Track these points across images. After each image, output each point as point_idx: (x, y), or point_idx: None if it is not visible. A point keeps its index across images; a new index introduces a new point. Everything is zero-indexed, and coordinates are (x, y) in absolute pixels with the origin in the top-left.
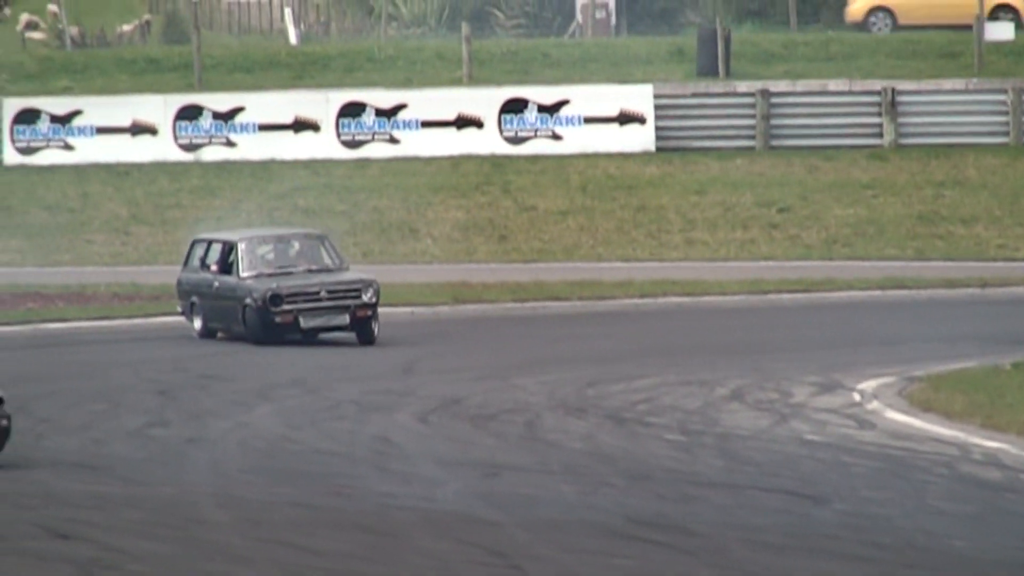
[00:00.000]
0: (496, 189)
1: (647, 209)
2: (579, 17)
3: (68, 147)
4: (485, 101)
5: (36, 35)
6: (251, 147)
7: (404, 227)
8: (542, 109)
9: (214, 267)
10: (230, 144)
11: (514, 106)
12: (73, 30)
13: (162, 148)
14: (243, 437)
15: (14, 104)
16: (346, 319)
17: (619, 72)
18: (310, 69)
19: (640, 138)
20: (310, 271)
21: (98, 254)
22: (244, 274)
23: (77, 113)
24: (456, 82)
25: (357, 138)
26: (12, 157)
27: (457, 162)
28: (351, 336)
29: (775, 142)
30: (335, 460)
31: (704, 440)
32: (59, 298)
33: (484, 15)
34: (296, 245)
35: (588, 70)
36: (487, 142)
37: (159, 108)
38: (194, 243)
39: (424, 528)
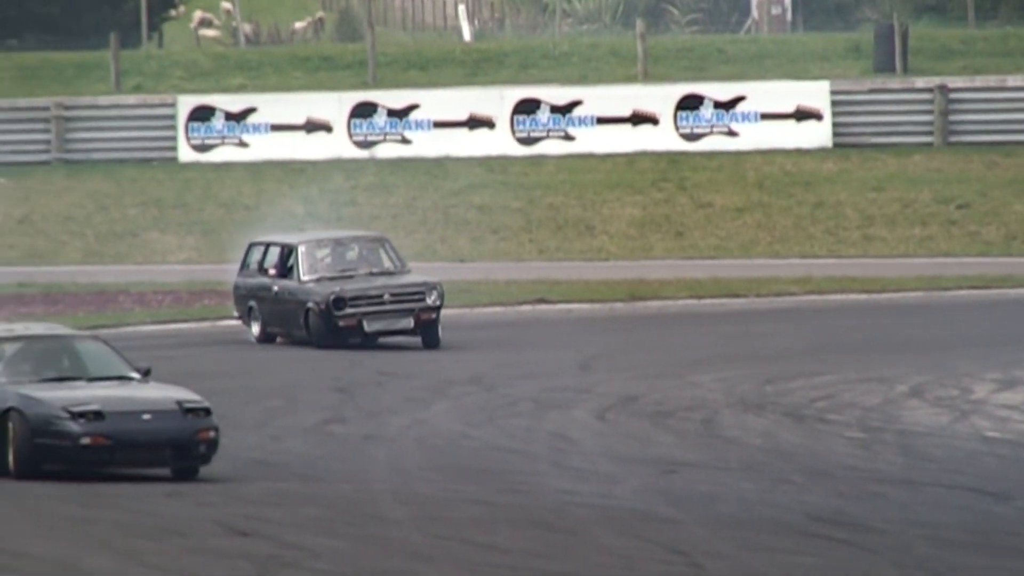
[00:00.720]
0: (672, 186)
1: (824, 205)
2: (755, 13)
3: (243, 144)
4: (661, 98)
5: (210, 32)
6: (426, 144)
7: (580, 224)
8: (718, 105)
9: (272, 271)
10: (405, 141)
11: (690, 102)
12: (247, 27)
13: (337, 145)
14: (421, 434)
15: (189, 101)
16: (410, 322)
17: (795, 68)
18: (484, 66)
19: (817, 134)
20: (371, 274)
21: None
22: (305, 278)
23: (252, 110)
24: (631, 79)
25: (532, 135)
26: (187, 154)
27: (633, 159)
28: (415, 340)
29: (953, 138)
30: (513, 457)
31: (884, 437)
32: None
33: (659, 11)
34: (356, 248)
35: (764, 66)
36: (663, 139)
37: (334, 105)
38: (251, 246)
39: (603, 525)
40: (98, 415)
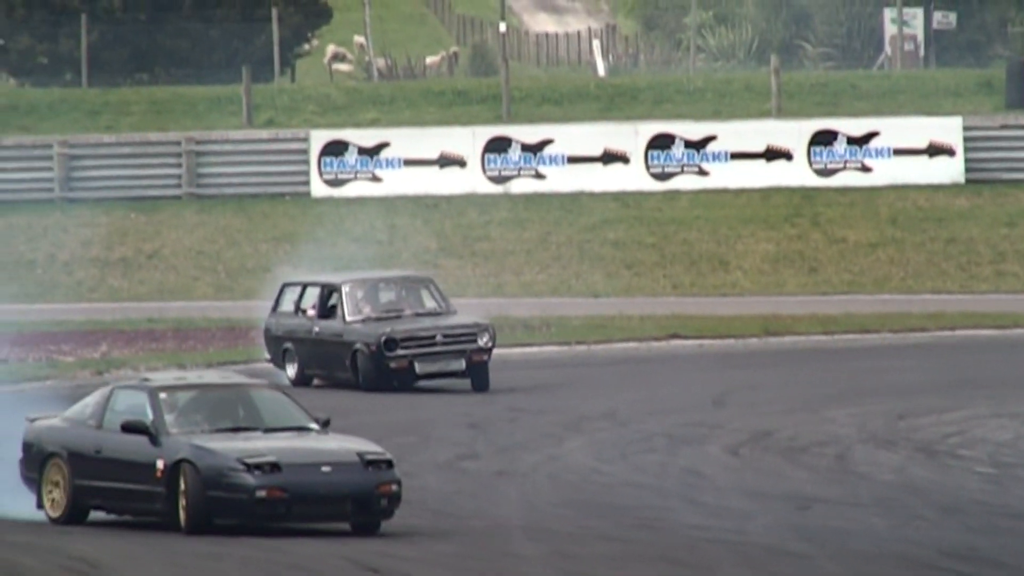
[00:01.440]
0: (805, 221)
1: (957, 241)
2: (888, 49)
3: (376, 179)
4: (794, 133)
5: (343, 67)
6: (560, 179)
7: (714, 259)
8: (851, 141)
9: (311, 311)
10: (539, 176)
11: (823, 138)
12: (380, 62)
13: (471, 180)
14: (553, 470)
15: (322, 136)
16: (462, 364)
17: (928, 104)
18: (618, 101)
19: (949, 170)
20: (418, 315)
21: None
22: (350, 318)
23: (385, 145)
24: (765, 114)
25: (666, 170)
26: (320, 189)
27: (766, 194)
28: (465, 383)
29: None
30: (645, 493)
31: (1016, 472)
32: None
33: (793, 47)
34: (400, 288)
35: (897, 102)
36: (796, 174)
37: (467, 140)
38: (284, 287)
39: (735, 561)
40: (275, 467)
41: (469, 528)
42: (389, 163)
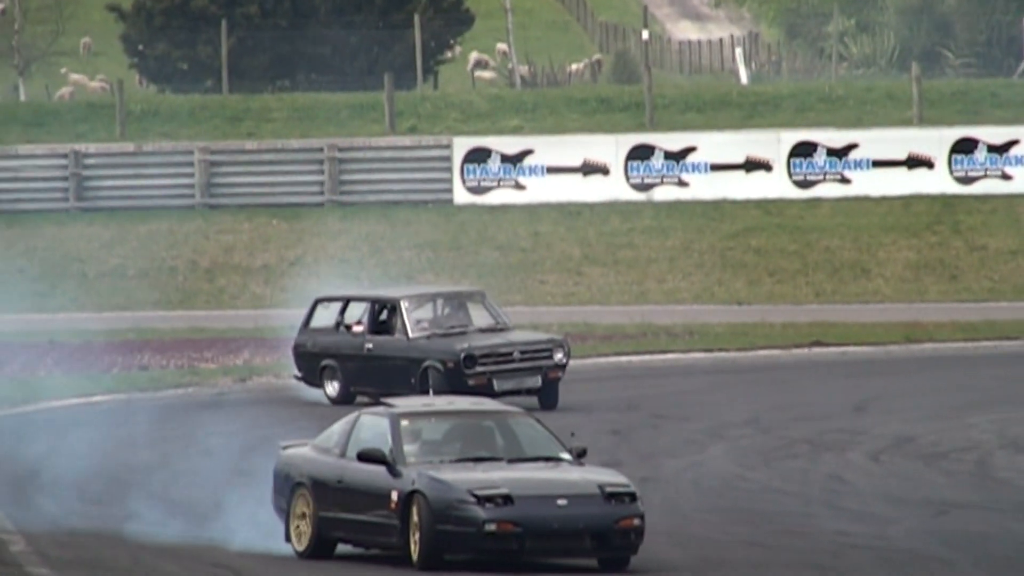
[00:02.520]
0: (946, 229)
1: None
2: None
3: (519, 186)
4: (935, 141)
5: (485, 74)
6: (702, 187)
7: (856, 267)
8: (991, 149)
9: (359, 327)
10: (681, 184)
11: (964, 146)
12: (523, 69)
13: (614, 188)
14: (697, 476)
15: (465, 143)
16: (538, 381)
17: None
18: (761, 109)
19: None
20: (482, 331)
21: (550, 294)
22: (414, 334)
23: (528, 152)
24: (906, 122)
25: (808, 177)
26: (462, 196)
27: (908, 202)
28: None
29: None
30: (788, 499)
31: None
32: None
33: (934, 55)
34: (455, 303)
35: None
36: (937, 182)
37: (610, 148)
38: (317, 303)
39: (878, 567)
40: (507, 499)
41: None
42: (532, 170)
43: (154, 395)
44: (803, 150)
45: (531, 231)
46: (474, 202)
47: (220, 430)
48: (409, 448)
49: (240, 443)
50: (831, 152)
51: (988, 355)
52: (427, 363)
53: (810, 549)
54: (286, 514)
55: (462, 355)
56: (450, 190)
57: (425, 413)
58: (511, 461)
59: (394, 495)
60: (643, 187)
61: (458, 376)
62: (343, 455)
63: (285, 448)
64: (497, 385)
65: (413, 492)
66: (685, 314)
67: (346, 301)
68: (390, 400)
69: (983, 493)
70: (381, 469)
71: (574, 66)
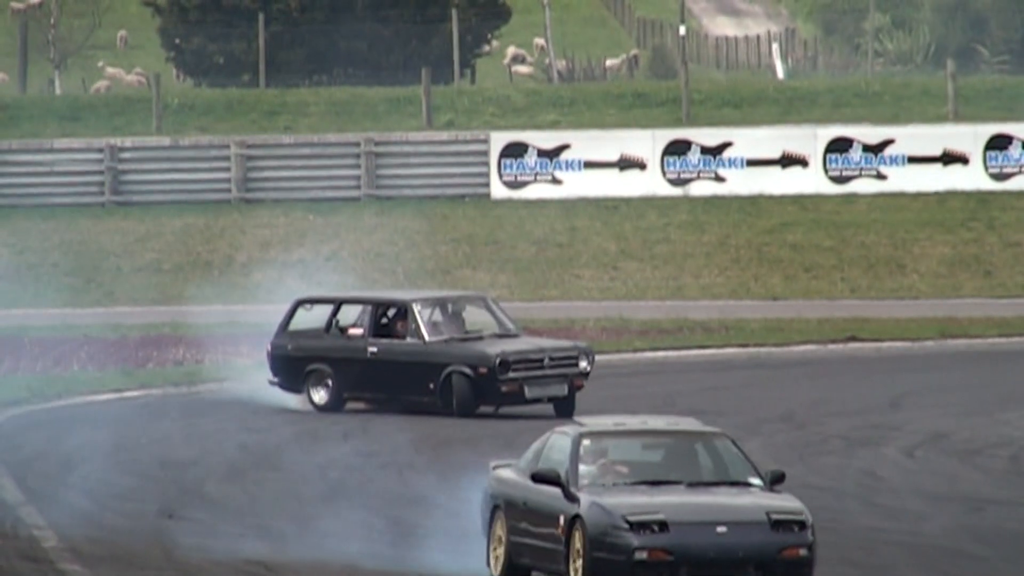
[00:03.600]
0: (981, 225)
1: None
2: None
3: (556, 181)
4: (970, 137)
5: (523, 69)
6: (739, 182)
7: (891, 262)
8: None
9: (357, 330)
10: (718, 179)
11: (999, 142)
12: (560, 64)
13: (650, 182)
14: None
15: (502, 138)
16: (564, 388)
17: None
18: (797, 104)
19: None
20: (497, 336)
21: (586, 288)
22: (431, 338)
23: (565, 147)
24: (942, 118)
25: (844, 173)
26: (499, 191)
27: (943, 198)
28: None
29: None
30: (823, 495)
31: None
32: (545, 332)
33: (969, 51)
34: (462, 307)
35: None
36: (972, 178)
37: (647, 142)
38: (298, 304)
39: (911, 563)
40: (662, 526)
41: None
42: (569, 165)
43: (188, 390)
44: (839, 146)
45: (567, 226)
46: (511, 197)
47: (253, 426)
48: (587, 469)
49: (274, 439)
50: (867, 148)
51: (1023, 351)
52: (451, 368)
53: (844, 545)
54: (487, 538)
55: (497, 360)
56: (487, 184)
57: (610, 432)
58: (691, 485)
59: (561, 519)
60: (679, 182)
61: (491, 382)
62: None
63: (495, 468)
64: (528, 392)
65: (575, 517)
66: (721, 309)
67: (337, 303)
68: (582, 418)
69: (1017, 490)
70: (557, 491)
71: (611, 61)
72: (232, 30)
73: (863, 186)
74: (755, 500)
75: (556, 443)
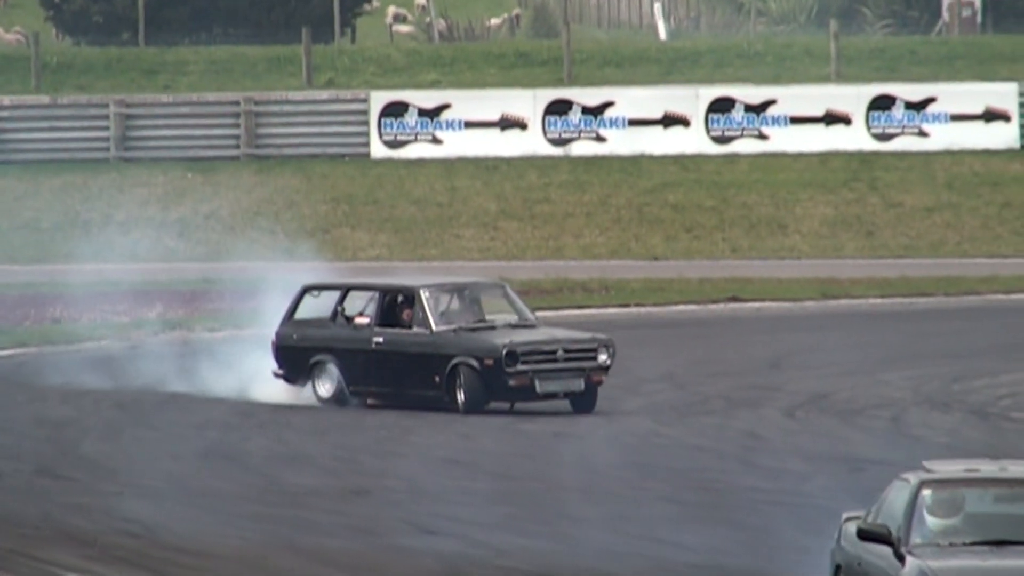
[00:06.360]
0: (863, 186)
1: (1012, 206)
2: (945, 15)
3: (436, 141)
4: (853, 98)
5: (403, 28)
6: (620, 142)
7: (772, 223)
8: (909, 106)
9: (363, 319)
10: (599, 139)
11: (881, 103)
12: (440, 23)
13: (531, 142)
14: (612, 432)
15: (382, 97)
16: (581, 384)
17: (984, 70)
18: (679, 64)
19: (1005, 135)
20: (511, 326)
21: (466, 248)
22: (438, 328)
23: (445, 107)
24: (824, 79)
25: (726, 133)
26: (379, 150)
27: (825, 158)
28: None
29: None
30: (703, 455)
31: None
32: None
33: (852, 12)
34: (476, 295)
35: (954, 67)
36: (854, 138)
37: (528, 102)
38: (305, 291)
39: (792, 523)
40: None
41: (526, 490)
42: (449, 125)
43: (66, 348)
44: (721, 106)
45: (448, 185)
46: (391, 156)
47: (136, 385)
48: (932, 525)
49: (151, 398)
50: (749, 108)
51: (903, 312)
52: (457, 360)
53: (725, 505)
54: None
55: (504, 351)
56: (367, 144)
57: (959, 480)
58: None
59: None
60: (561, 142)
61: (497, 375)
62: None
63: (845, 520)
64: (540, 387)
65: None
66: (602, 269)
67: (345, 289)
68: (931, 463)
69: (898, 450)
70: (888, 551)
71: (493, 20)
72: None
73: (745, 146)
74: None
75: (896, 492)
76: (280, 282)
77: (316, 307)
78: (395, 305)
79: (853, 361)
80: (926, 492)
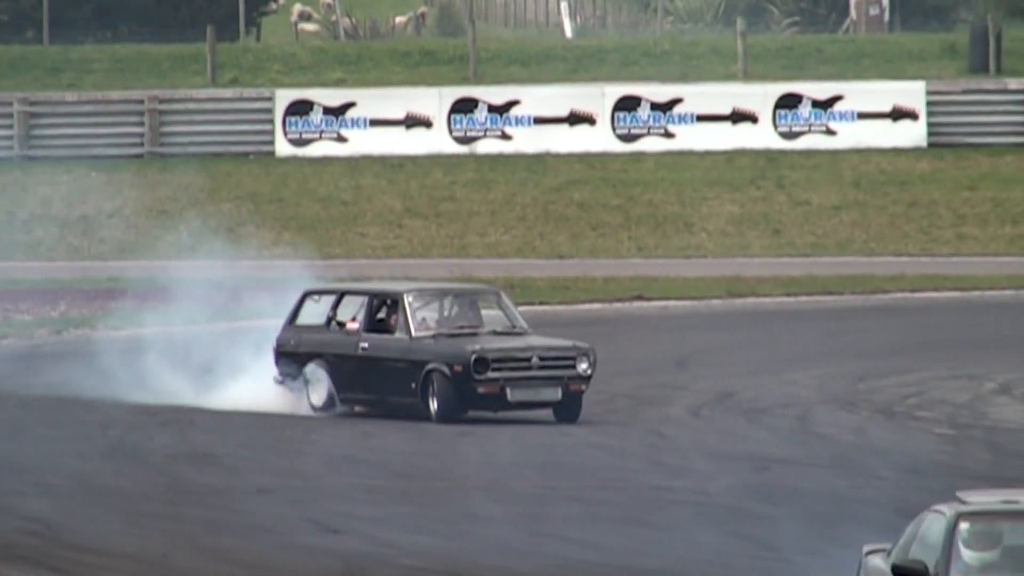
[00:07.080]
0: (770, 184)
1: (919, 204)
2: (853, 13)
3: (341, 139)
4: (760, 96)
5: (309, 26)
6: (526, 140)
7: (679, 221)
8: (816, 104)
9: (353, 324)
10: (505, 137)
11: (788, 101)
12: (346, 21)
13: (436, 141)
14: (515, 431)
15: (287, 96)
16: (558, 393)
17: (892, 68)
18: (586, 62)
19: (912, 134)
20: (496, 333)
21: (371, 247)
22: (418, 333)
23: (350, 105)
24: (731, 77)
25: (632, 132)
26: (284, 148)
27: (731, 156)
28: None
29: None
30: (608, 454)
31: (973, 434)
32: None
33: (759, 10)
34: (467, 301)
35: (861, 66)
36: (761, 137)
37: (434, 100)
38: (306, 295)
39: (697, 521)
40: None
41: (431, 489)
42: (355, 123)
43: None
44: (627, 104)
45: (353, 184)
46: (296, 154)
47: (33, 382)
48: (969, 559)
49: (55, 396)
50: (655, 106)
51: (810, 310)
52: (431, 366)
53: (630, 504)
54: None
55: (472, 357)
56: (272, 142)
57: (998, 513)
58: None
59: None
60: (466, 140)
61: (466, 382)
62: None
63: (867, 554)
64: (511, 395)
65: None
66: (507, 268)
67: (340, 294)
68: (964, 493)
69: (803, 448)
70: None
71: (398, 19)
72: None
73: (651, 144)
74: None
75: (931, 525)
76: (184, 281)
77: (319, 312)
78: (381, 310)
79: (759, 360)
80: (964, 525)
